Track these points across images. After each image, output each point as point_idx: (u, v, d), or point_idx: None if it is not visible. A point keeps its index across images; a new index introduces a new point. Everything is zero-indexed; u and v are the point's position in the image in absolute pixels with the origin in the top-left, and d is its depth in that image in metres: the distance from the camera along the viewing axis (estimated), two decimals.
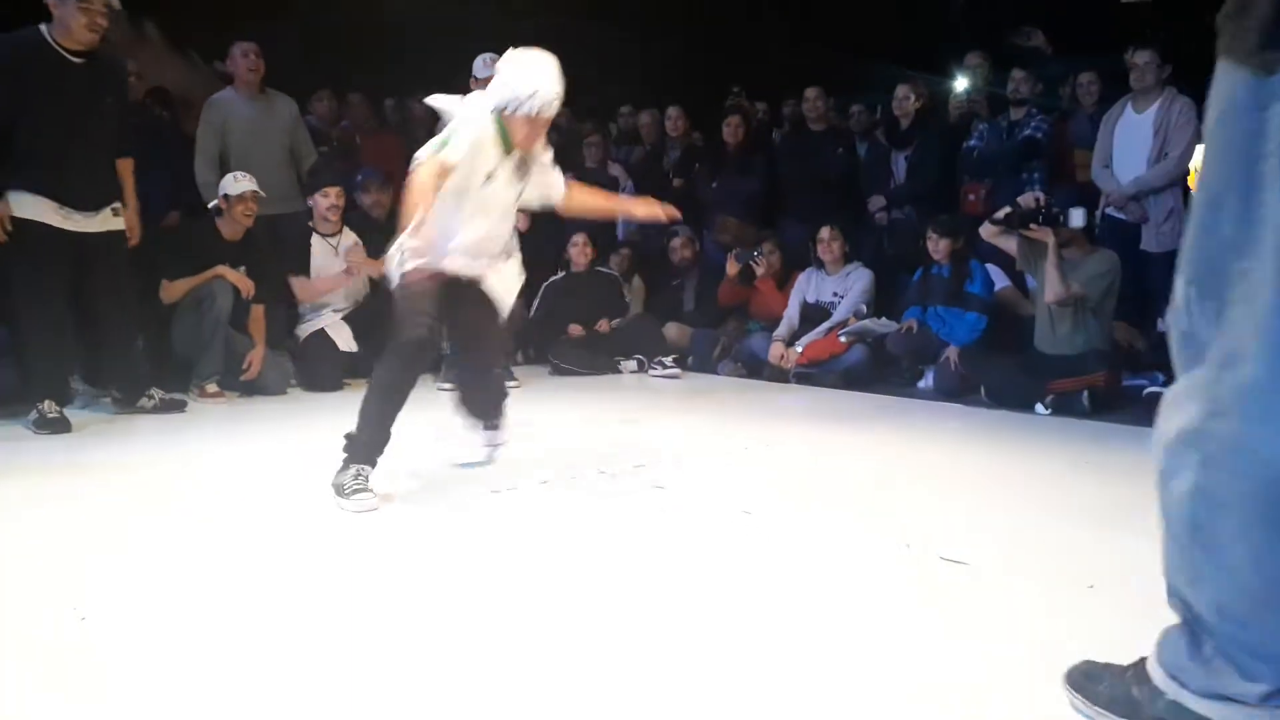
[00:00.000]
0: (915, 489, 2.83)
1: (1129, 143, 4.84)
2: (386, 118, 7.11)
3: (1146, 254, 4.79)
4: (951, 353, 4.74)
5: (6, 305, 3.88)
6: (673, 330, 6.00)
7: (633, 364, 5.69)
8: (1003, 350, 4.70)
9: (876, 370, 5.13)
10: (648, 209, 3.11)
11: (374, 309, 4.79)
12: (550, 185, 2.97)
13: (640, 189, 6.73)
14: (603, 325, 5.77)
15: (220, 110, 5.20)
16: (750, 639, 1.68)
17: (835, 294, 5.43)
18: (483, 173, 2.68)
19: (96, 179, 3.85)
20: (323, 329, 4.94)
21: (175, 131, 5.58)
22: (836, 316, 5.33)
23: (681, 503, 2.65)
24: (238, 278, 4.53)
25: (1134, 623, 1.72)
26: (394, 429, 2.66)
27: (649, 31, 8.91)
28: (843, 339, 5.18)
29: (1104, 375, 4.20)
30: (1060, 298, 4.26)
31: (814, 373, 5.20)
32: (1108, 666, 1.43)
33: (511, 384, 4.96)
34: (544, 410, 4.33)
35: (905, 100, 5.68)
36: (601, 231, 6.26)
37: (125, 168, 4.00)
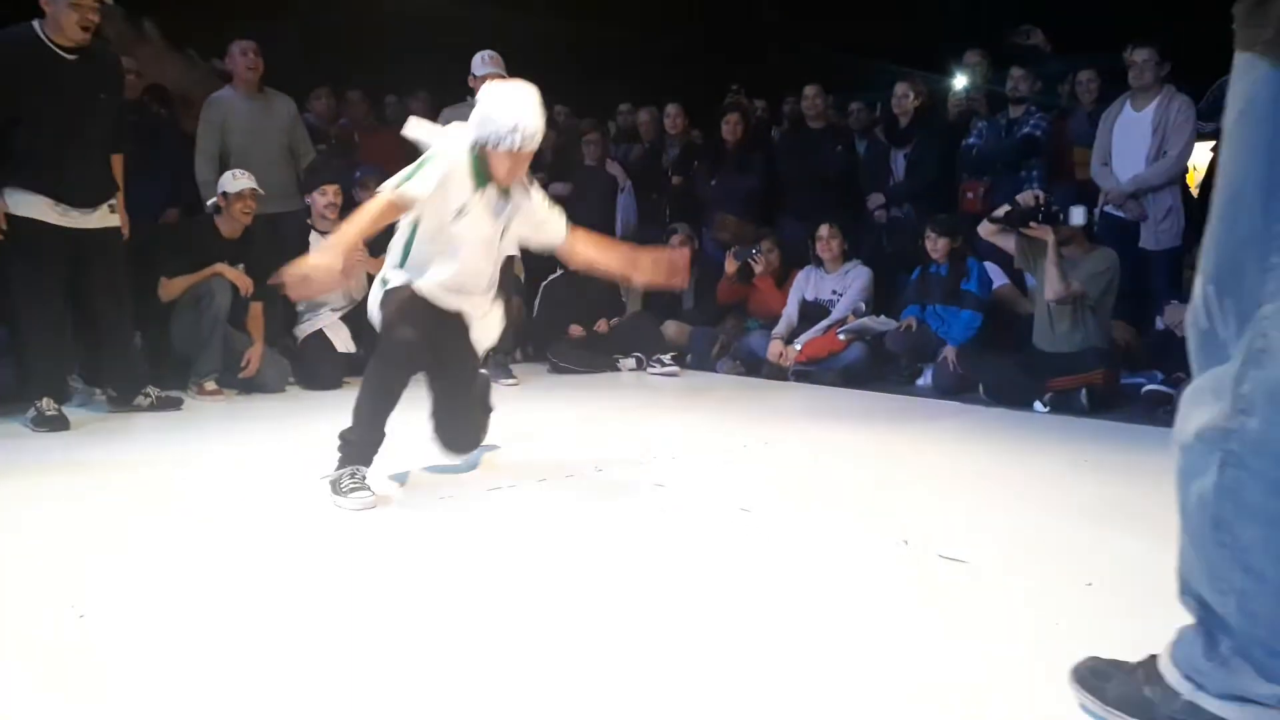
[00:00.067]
0: (914, 487, 2.84)
1: (1128, 140, 4.84)
2: (386, 115, 7.10)
3: (1145, 252, 4.80)
4: (949, 352, 4.75)
5: (5, 303, 3.88)
6: (671, 328, 6.00)
7: (631, 362, 5.69)
8: (1001, 348, 4.70)
9: (875, 368, 5.13)
10: (653, 274, 2.88)
11: None
12: (545, 225, 2.89)
13: (639, 187, 6.75)
14: (602, 325, 5.76)
15: (220, 109, 5.20)
16: (749, 638, 1.68)
17: (834, 292, 5.43)
18: (453, 208, 2.65)
19: (93, 176, 3.84)
20: (321, 329, 4.93)
21: (174, 129, 5.57)
22: (835, 314, 5.33)
23: (680, 501, 2.65)
24: (236, 275, 4.53)
25: (1133, 620, 1.73)
26: (389, 428, 2.66)
27: (648, 29, 8.91)
28: (841, 337, 5.18)
29: (1102, 373, 4.20)
30: (1060, 296, 4.26)
31: (813, 371, 5.20)
32: (1115, 664, 1.41)
33: (510, 382, 4.98)
34: (542, 408, 4.33)
35: (904, 98, 5.67)
36: (600, 230, 6.24)
37: (116, 163, 3.99)
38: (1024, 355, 4.50)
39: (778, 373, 5.32)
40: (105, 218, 3.88)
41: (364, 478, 2.58)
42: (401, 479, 2.86)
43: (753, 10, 9.54)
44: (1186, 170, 5.07)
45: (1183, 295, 4.48)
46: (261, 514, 2.51)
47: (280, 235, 5.01)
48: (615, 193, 6.72)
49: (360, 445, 2.61)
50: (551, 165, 6.72)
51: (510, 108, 2.56)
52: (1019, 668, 1.55)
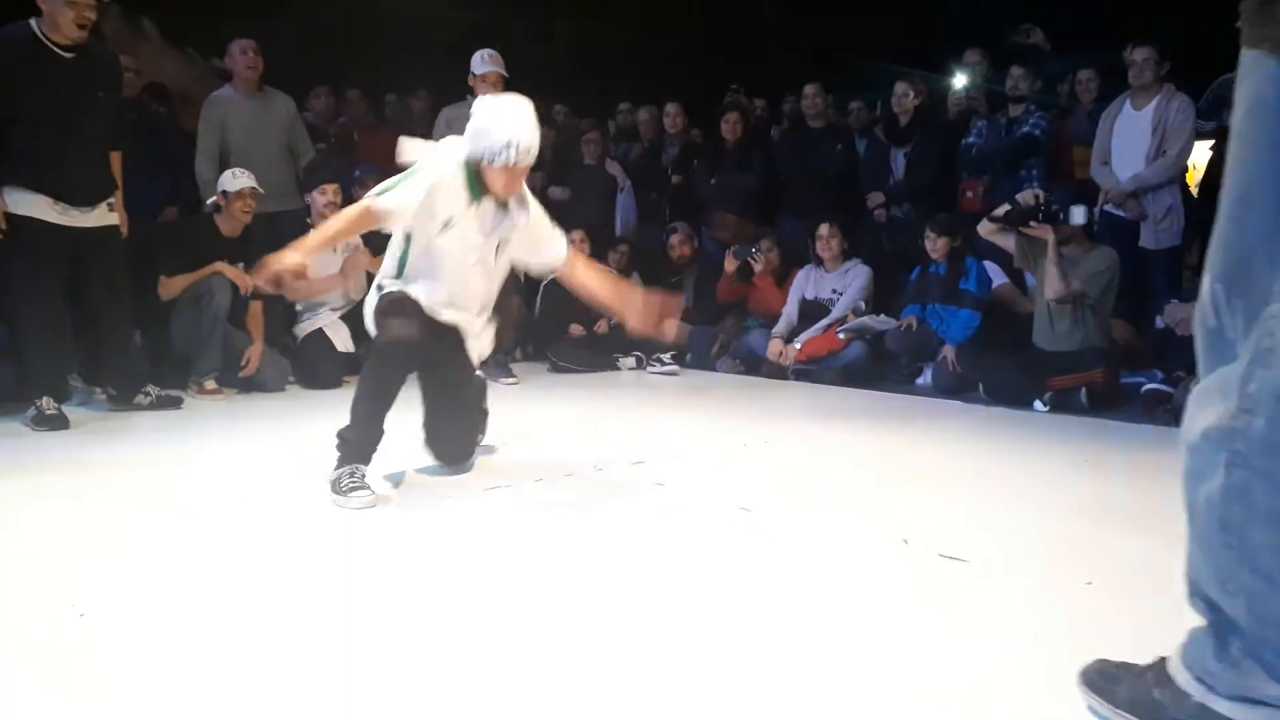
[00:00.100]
0: (914, 486, 2.83)
1: (1127, 139, 4.84)
2: (386, 113, 7.10)
3: (1145, 251, 4.80)
4: (948, 352, 4.75)
5: (4, 303, 3.87)
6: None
7: (631, 361, 5.69)
8: (1001, 347, 4.70)
9: (875, 367, 5.14)
10: (642, 318, 2.79)
11: None
12: (545, 245, 2.87)
13: (639, 186, 6.75)
14: (602, 325, 5.76)
15: (220, 107, 5.21)
16: (749, 637, 1.68)
17: (834, 291, 5.43)
18: (439, 220, 2.65)
19: (91, 174, 3.84)
20: (321, 328, 4.93)
21: (173, 128, 5.57)
22: (835, 313, 5.34)
23: (680, 500, 2.65)
24: (236, 274, 4.53)
25: (1134, 619, 1.73)
26: (387, 426, 2.66)
27: (647, 28, 8.90)
28: (841, 336, 5.19)
29: (1102, 372, 4.20)
30: (1060, 295, 4.26)
31: (813, 370, 5.21)
32: (1124, 666, 1.40)
33: (510, 381, 4.98)
34: (542, 408, 4.33)
35: (904, 97, 5.67)
36: (599, 228, 6.26)
37: (115, 161, 3.99)
38: (1024, 354, 4.50)
39: (777, 372, 5.32)
40: (104, 216, 3.88)
41: (363, 476, 2.58)
42: (401, 479, 2.86)
43: (753, 9, 9.53)
44: (1186, 169, 5.07)
45: (1183, 294, 4.50)
46: (261, 514, 2.50)
47: (280, 234, 4.97)
48: (615, 192, 6.71)
49: (359, 444, 2.61)
50: (551, 164, 6.72)
51: (504, 123, 2.55)
52: (1019, 668, 1.55)
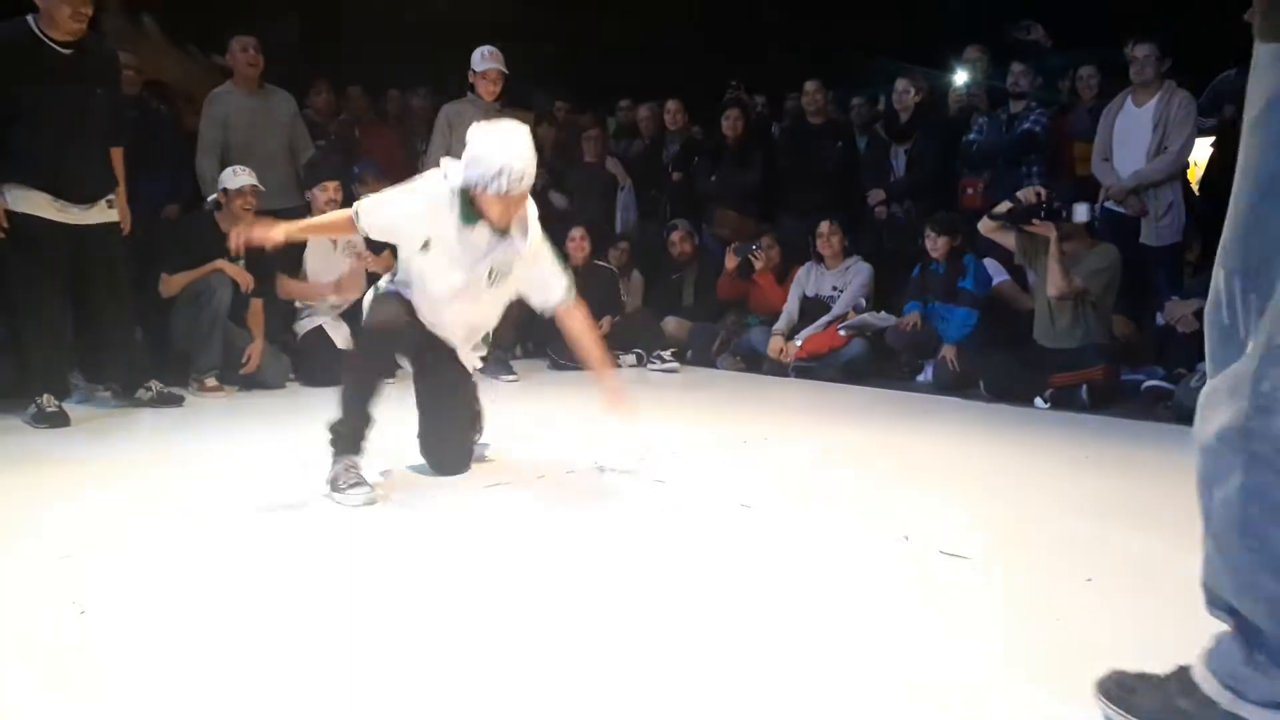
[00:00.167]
0: (915, 483, 2.83)
1: (1128, 136, 4.84)
2: (387, 110, 7.09)
3: (1145, 248, 4.79)
4: (948, 350, 4.75)
5: (4, 300, 3.87)
6: (671, 324, 5.99)
7: (632, 358, 5.69)
8: (1001, 344, 4.70)
9: (876, 364, 5.14)
10: (608, 398, 2.80)
11: None
12: (546, 285, 2.82)
13: (639, 183, 6.74)
14: (604, 325, 5.75)
15: (221, 104, 5.20)
16: (749, 635, 1.67)
17: (834, 288, 5.43)
18: (418, 240, 2.66)
19: (91, 171, 3.83)
20: (321, 325, 4.92)
21: (174, 126, 5.57)
22: (836, 310, 5.33)
23: (680, 497, 2.65)
24: (237, 271, 4.53)
25: (1134, 616, 1.73)
26: (387, 426, 2.66)
27: (648, 25, 8.89)
28: (842, 333, 5.19)
29: (1103, 369, 4.20)
30: (1062, 292, 4.26)
31: (813, 366, 5.21)
32: (1141, 676, 1.35)
33: (510, 378, 4.98)
34: (542, 405, 4.33)
35: (904, 94, 5.67)
36: (599, 226, 6.25)
37: (116, 156, 3.98)
38: (1025, 351, 4.50)
39: (778, 369, 5.32)
40: (104, 213, 3.88)
41: (360, 469, 2.59)
42: (400, 476, 2.86)
43: (754, 6, 9.52)
44: (1187, 166, 5.07)
45: (1183, 291, 4.50)
46: (261, 513, 2.50)
47: None
48: (615, 189, 6.71)
49: (349, 434, 2.62)
50: (551, 161, 6.71)
51: (497, 151, 2.52)
52: (1019, 667, 1.55)
